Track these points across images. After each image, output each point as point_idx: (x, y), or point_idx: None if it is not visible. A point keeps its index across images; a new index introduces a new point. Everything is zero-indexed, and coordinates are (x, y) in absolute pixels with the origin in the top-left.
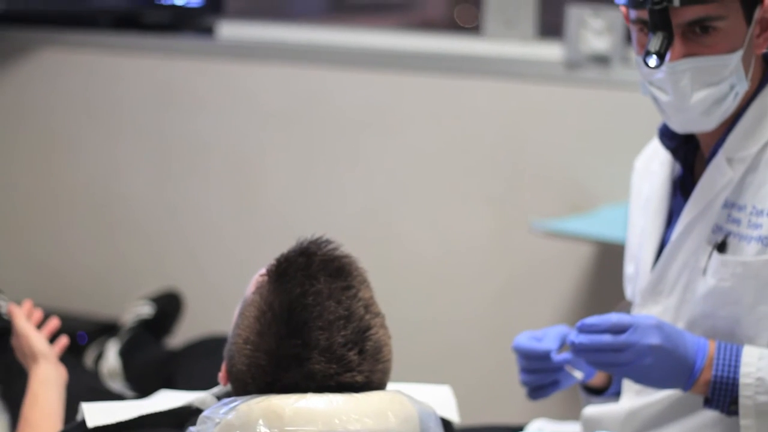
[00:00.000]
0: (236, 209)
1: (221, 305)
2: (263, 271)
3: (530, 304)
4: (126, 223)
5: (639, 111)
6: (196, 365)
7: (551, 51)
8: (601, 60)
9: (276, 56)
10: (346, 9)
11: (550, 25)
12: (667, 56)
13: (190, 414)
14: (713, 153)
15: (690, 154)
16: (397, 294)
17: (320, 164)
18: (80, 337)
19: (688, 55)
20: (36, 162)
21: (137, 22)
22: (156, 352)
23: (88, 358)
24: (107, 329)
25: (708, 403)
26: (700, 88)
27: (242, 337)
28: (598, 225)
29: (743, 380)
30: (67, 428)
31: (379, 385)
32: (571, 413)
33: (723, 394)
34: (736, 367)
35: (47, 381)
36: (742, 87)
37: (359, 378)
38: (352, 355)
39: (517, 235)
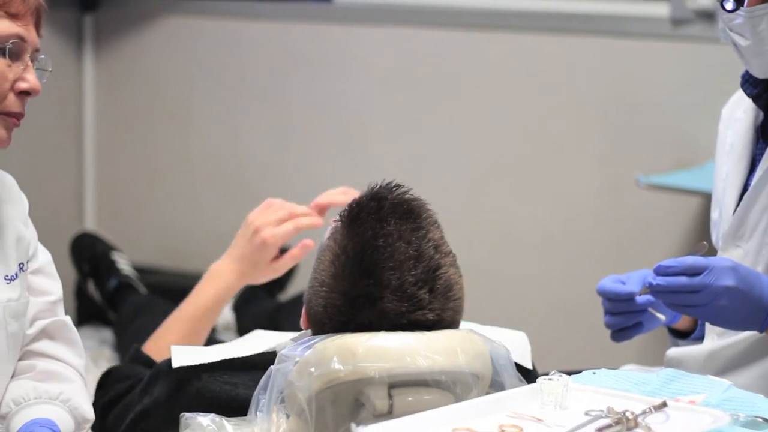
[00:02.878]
0: (352, 171)
1: None
2: (337, 217)
3: (638, 259)
4: (247, 187)
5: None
6: (299, 317)
7: (658, 8)
8: (707, 16)
9: (391, 19)
10: None
11: None
12: (746, 2)
13: (275, 357)
14: None
15: None
16: (508, 253)
17: (431, 125)
18: None
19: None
20: (157, 128)
21: None
22: (266, 305)
23: None
24: None
25: None
26: None
27: (318, 281)
28: (705, 179)
29: None
30: (160, 365)
31: (451, 323)
32: (661, 361)
33: None
34: None
35: (211, 276)
36: None
37: (430, 316)
38: (423, 294)
39: (625, 191)
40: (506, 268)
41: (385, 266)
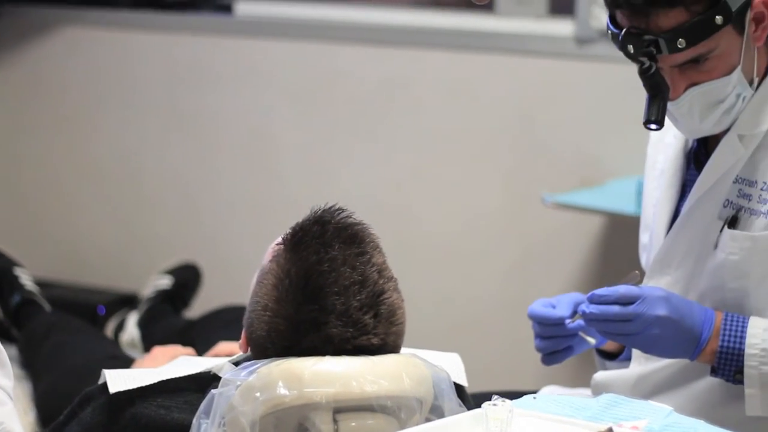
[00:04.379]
0: (254, 183)
1: (238, 278)
2: (279, 240)
3: (542, 276)
4: (144, 199)
5: None
6: (214, 334)
7: (563, 27)
8: None
9: (293, 33)
10: None
11: (561, 3)
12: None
13: (210, 380)
14: (726, 130)
15: None
16: (412, 268)
17: (335, 140)
18: (99, 309)
19: (689, 86)
20: (56, 139)
21: (157, 0)
22: (173, 322)
23: (108, 330)
24: (125, 302)
25: (714, 372)
26: (707, 110)
27: (261, 305)
28: (608, 198)
29: (749, 351)
30: (89, 390)
31: (394, 348)
32: (581, 381)
33: (729, 364)
34: (742, 337)
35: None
36: (747, 91)
37: (375, 341)
38: (368, 319)
39: (529, 209)
40: (410, 285)
41: (330, 291)
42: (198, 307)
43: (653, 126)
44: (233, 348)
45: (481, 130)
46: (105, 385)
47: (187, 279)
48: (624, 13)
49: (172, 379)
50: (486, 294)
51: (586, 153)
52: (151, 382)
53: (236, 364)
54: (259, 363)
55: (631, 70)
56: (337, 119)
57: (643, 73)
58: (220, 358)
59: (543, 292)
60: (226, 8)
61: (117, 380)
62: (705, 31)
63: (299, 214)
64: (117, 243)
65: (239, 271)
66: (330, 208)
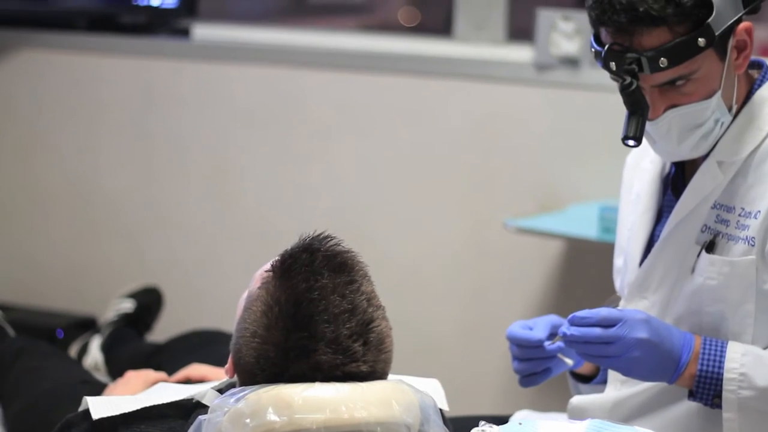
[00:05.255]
0: (213, 207)
1: (199, 302)
2: (268, 267)
3: (502, 300)
4: (105, 222)
5: (607, 112)
6: (183, 358)
7: (521, 53)
8: (571, 62)
9: (250, 57)
10: (305, 10)
11: (519, 30)
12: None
13: (194, 406)
14: (704, 156)
15: None
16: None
17: (295, 163)
18: (58, 333)
19: (668, 107)
20: (16, 161)
21: (113, 23)
22: (139, 346)
23: (71, 353)
24: (84, 326)
25: (692, 396)
26: (685, 133)
27: (250, 331)
28: (569, 222)
29: (727, 375)
30: (70, 417)
31: (382, 375)
32: (545, 405)
33: (707, 388)
34: (721, 362)
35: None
36: (726, 117)
37: (364, 368)
38: (357, 346)
39: (489, 233)
40: None
41: (320, 319)
42: (159, 332)
43: (631, 142)
44: (206, 370)
45: (440, 155)
46: (87, 411)
47: (149, 302)
48: (608, 30)
49: (155, 406)
50: (446, 319)
51: (546, 178)
52: (134, 408)
53: (220, 390)
54: (248, 389)
55: (590, 97)
56: (295, 143)
57: (624, 90)
58: (202, 385)
59: (503, 316)
60: (184, 32)
61: (99, 406)
62: (687, 53)
63: (259, 237)
64: (72, 267)
65: (198, 295)
66: (318, 235)
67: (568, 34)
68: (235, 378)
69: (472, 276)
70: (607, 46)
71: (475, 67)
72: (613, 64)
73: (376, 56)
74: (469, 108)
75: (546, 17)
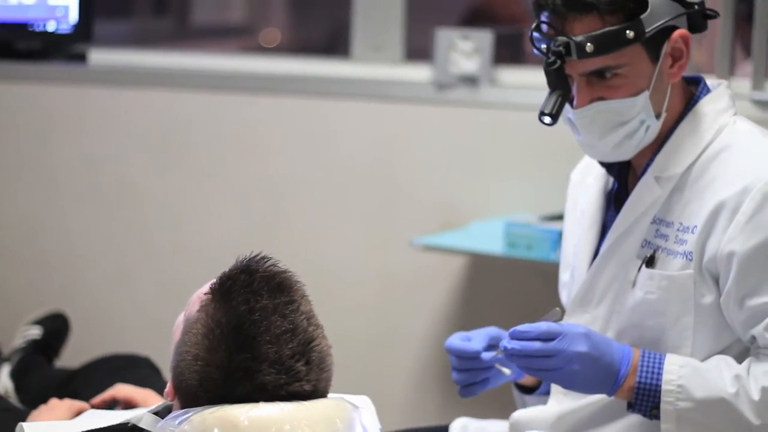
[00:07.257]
0: (117, 230)
1: (107, 326)
2: (206, 289)
3: (407, 315)
4: (9, 249)
5: (506, 130)
6: (100, 383)
7: (420, 73)
8: (470, 81)
9: (148, 82)
10: (189, 34)
11: (417, 50)
12: (575, 102)
13: (130, 431)
14: (643, 171)
15: (624, 170)
16: None
17: (196, 185)
18: None
19: (594, 99)
20: None
21: (9, 49)
22: (50, 372)
23: None
24: None
25: (631, 407)
26: (608, 128)
27: (191, 354)
28: (472, 239)
29: (665, 387)
30: None
31: (323, 393)
32: (447, 417)
33: (646, 400)
34: (659, 374)
35: None
36: (653, 121)
37: (307, 387)
38: (300, 366)
39: (392, 251)
40: None
41: (262, 340)
42: (65, 358)
43: (546, 119)
44: (131, 390)
45: (341, 175)
46: None
47: (57, 328)
48: (545, 15)
49: (92, 431)
50: (353, 336)
51: (447, 196)
52: None
53: (158, 413)
54: (192, 411)
55: (490, 114)
56: (195, 166)
57: (548, 67)
58: (137, 410)
59: (410, 329)
60: (81, 57)
61: None
62: (614, 43)
63: (162, 260)
64: None
65: (106, 319)
66: (255, 256)
67: (466, 53)
68: (172, 401)
69: (378, 294)
70: (541, 29)
71: (374, 87)
72: (543, 46)
73: (273, 78)
74: (370, 128)
75: (444, 36)
